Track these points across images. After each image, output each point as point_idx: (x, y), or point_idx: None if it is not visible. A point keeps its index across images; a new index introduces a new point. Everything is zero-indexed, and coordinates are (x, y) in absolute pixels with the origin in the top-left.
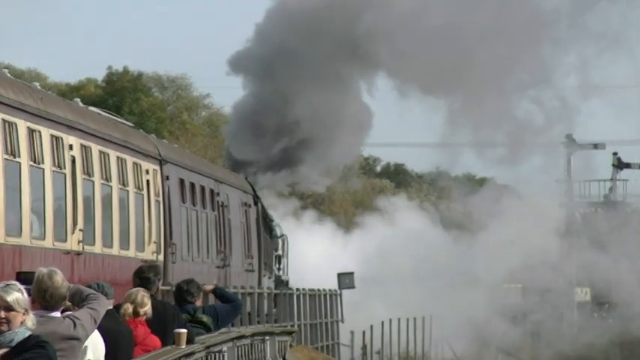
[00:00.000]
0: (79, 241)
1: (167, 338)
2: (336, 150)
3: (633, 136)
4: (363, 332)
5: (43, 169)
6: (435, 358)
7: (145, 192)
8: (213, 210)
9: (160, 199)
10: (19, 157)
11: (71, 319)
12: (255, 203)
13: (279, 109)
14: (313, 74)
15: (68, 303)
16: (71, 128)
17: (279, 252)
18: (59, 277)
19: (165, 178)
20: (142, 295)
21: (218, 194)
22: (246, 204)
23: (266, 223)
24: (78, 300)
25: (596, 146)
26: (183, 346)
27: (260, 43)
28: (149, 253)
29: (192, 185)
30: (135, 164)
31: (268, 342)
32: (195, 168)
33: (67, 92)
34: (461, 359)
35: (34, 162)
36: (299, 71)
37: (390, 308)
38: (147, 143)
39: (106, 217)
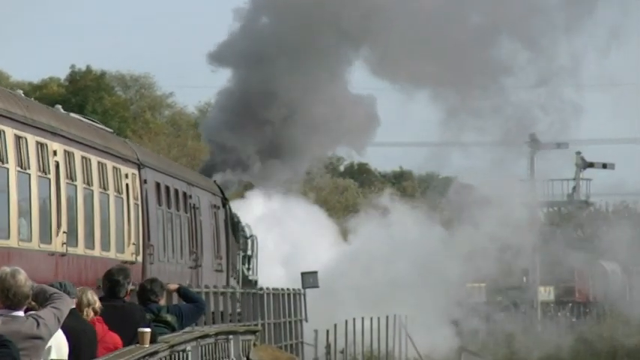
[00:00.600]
0: (62, 243)
1: (134, 341)
2: (315, 148)
3: (596, 135)
4: (327, 331)
5: (29, 174)
6: (398, 356)
7: (124, 195)
8: (186, 212)
9: (139, 202)
10: (7, 162)
11: (34, 318)
12: (224, 205)
13: (266, 98)
14: (301, 62)
15: (32, 302)
16: (55, 135)
17: (249, 252)
18: (22, 277)
19: (143, 182)
20: (91, 293)
21: (190, 197)
22: (215, 206)
23: (233, 224)
24: (42, 299)
25: (559, 145)
26: (147, 346)
27: (245, 32)
28: (129, 254)
29: (168, 188)
30: (115, 169)
31: (232, 341)
32: (169, 171)
33: (30, 91)
34: (424, 357)
35: (21, 167)
36: (287, 59)
37: (354, 307)
38: (126, 148)
39: (88, 219)
